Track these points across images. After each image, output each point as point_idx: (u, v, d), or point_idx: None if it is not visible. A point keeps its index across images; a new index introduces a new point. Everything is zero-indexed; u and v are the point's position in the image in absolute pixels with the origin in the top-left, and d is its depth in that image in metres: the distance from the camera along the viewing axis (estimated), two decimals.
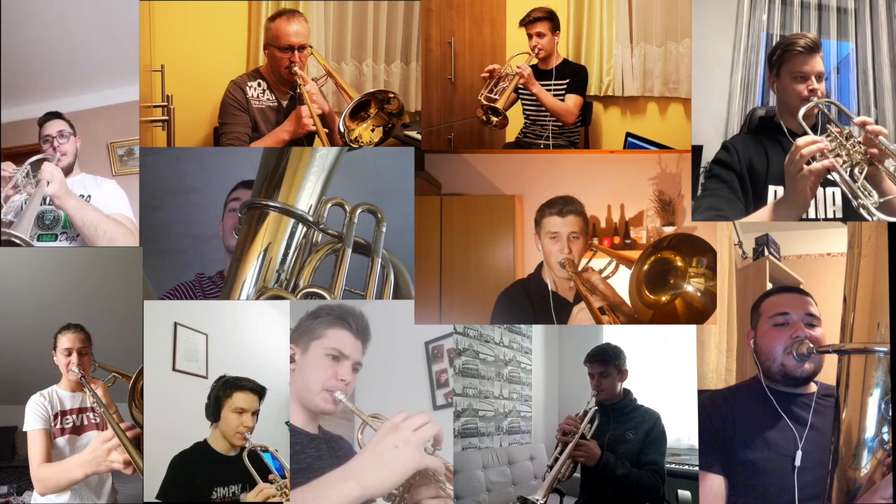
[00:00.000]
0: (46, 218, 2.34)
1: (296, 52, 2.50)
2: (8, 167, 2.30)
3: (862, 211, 1.90)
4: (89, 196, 2.40)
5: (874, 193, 1.91)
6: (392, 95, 2.41)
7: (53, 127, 2.42)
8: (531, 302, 2.26)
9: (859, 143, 1.94)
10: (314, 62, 2.63)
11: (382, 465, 1.24)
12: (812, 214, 2.22)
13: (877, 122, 2.66)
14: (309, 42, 2.55)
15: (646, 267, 2.14)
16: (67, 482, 2.18)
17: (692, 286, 2.13)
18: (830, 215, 2.20)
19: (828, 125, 2.02)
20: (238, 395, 2.00)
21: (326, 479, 1.24)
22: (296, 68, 2.50)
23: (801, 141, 1.95)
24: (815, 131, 2.05)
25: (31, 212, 2.24)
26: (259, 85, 2.57)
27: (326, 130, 2.46)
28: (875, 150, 1.92)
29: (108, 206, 2.40)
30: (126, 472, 2.13)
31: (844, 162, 1.94)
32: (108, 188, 2.45)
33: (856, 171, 1.94)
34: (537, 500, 2.03)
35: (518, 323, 2.36)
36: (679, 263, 2.14)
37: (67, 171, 2.41)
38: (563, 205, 2.23)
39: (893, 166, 1.91)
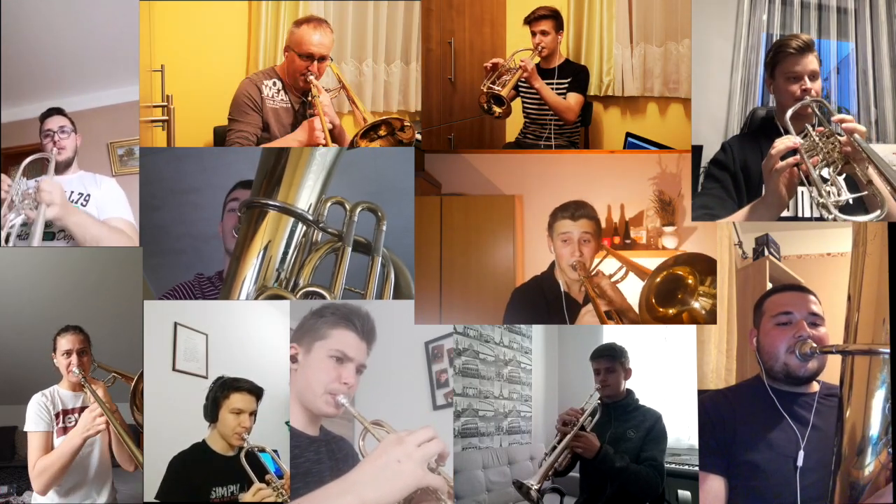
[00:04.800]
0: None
1: (315, 62, 2.48)
2: (3, 184, 2.28)
3: (822, 210, 1.90)
4: (88, 195, 2.40)
5: (843, 192, 1.91)
6: (408, 125, 2.40)
7: (55, 122, 2.42)
8: (546, 299, 2.28)
9: (838, 141, 1.94)
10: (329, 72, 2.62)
11: (383, 480, 1.18)
12: (807, 213, 2.23)
13: (877, 123, 2.67)
14: (330, 54, 2.52)
15: (658, 280, 2.17)
16: (70, 453, 2.19)
17: (699, 304, 2.17)
18: (818, 214, 2.20)
19: (807, 125, 2.02)
20: (235, 396, 2.00)
21: (324, 491, 1.18)
22: (311, 78, 2.47)
23: (776, 141, 1.97)
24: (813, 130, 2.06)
25: (37, 235, 2.23)
26: (274, 84, 2.55)
27: (335, 146, 2.45)
28: (849, 149, 1.92)
29: (107, 206, 2.39)
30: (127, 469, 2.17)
31: (822, 161, 1.94)
32: (108, 187, 2.45)
33: (830, 169, 1.94)
34: (532, 485, 2.03)
35: (534, 319, 2.37)
36: (690, 281, 2.17)
37: (66, 166, 2.42)
38: (576, 209, 2.27)
39: (871, 166, 1.88)
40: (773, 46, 2.23)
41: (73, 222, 2.29)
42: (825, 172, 1.95)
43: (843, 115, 1.97)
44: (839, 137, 1.94)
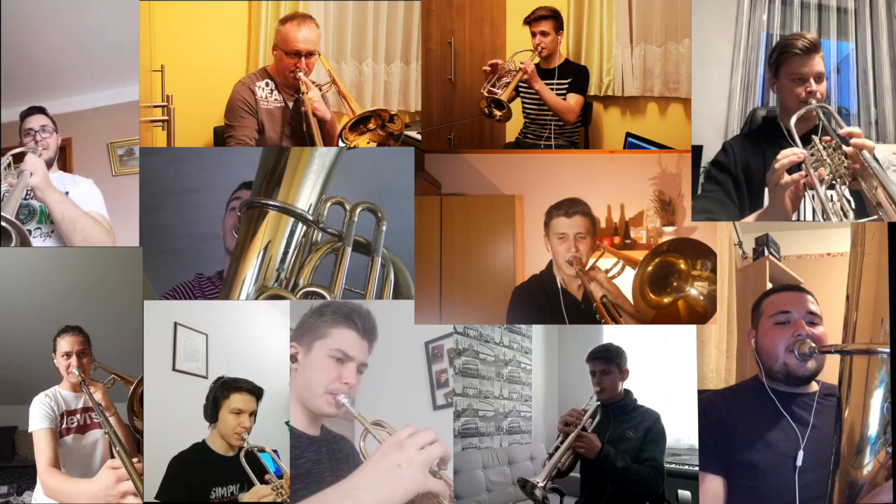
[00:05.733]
0: (21, 213, 2.30)
1: (303, 58, 2.49)
2: None
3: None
4: (66, 192, 2.38)
5: (850, 214, 1.90)
6: (396, 114, 2.40)
7: (36, 121, 2.40)
8: (547, 296, 2.28)
9: (845, 155, 1.91)
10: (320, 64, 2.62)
11: (382, 485, 1.15)
12: (809, 217, 2.22)
13: (877, 123, 2.67)
14: (318, 48, 2.53)
15: (649, 269, 2.17)
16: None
17: (695, 289, 2.15)
18: (822, 219, 2.19)
19: (812, 136, 1.99)
20: (235, 397, 2.00)
21: (323, 496, 1.17)
22: (300, 74, 2.48)
23: (780, 153, 1.94)
24: (815, 133, 2.04)
25: (13, 201, 2.20)
26: (267, 85, 2.56)
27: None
28: (857, 166, 1.89)
29: (84, 204, 2.37)
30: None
31: (828, 175, 1.92)
32: (85, 187, 2.44)
33: (838, 185, 1.92)
34: (538, 482, 2.03)
35: (535, 317, 2.37)
36: (682, 266, 2.16)
37: (48, 166, 2.38)
38: (570, 206, 2.27)
39: (880, 187, 1.86)
40: (777, 45, 2.19)
41: (53, 199, 2.27)
42: (831, 188, 1.92)
43: (852, 129, 1.93)
44: (845, 149, 1.91)
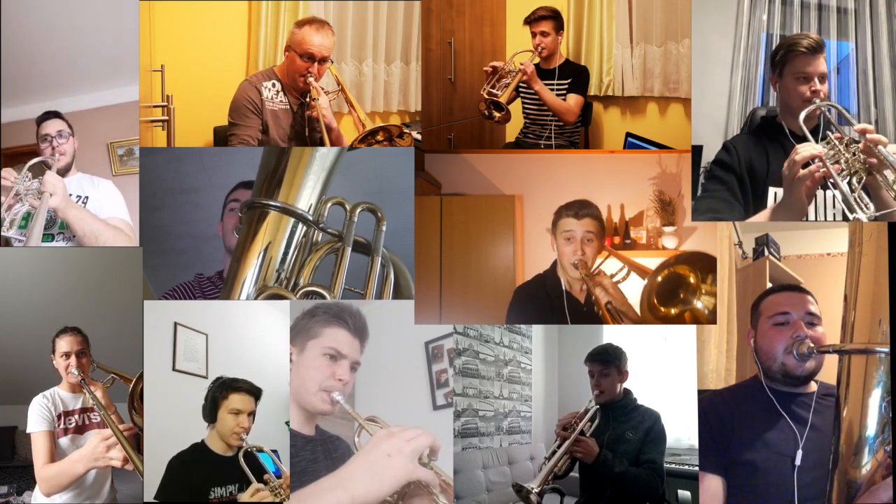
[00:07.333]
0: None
1: (316, 63, 2.48)
2: (9, 175, 2.30)
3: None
4: (87, 198, 2.40)
5: (871, 206, 1.90)
6: (406, 132, 2.41)
7: (52, 126, 2.41)
8: (549, 297, 2.28)
9: (859, 150, 1.91)
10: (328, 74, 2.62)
11: (373, 474, 1.18)
12: (812, 217, 2.21)
13: (877, 123, 2.67)
14: (332, 56, 2.53)
15: (659, 279, 2.17)
16: (70, 479, 2.17)
17: (702, 303, 2.16)
18: (830, 218, 2.18)
19: (827, 131, 1.99)
20: (234, 397, 2.01)
21: (316, 486, 1.18)
22: (310, 79, 2.48)
23: (798, 147, 1.94)
24: (816, 133, 2.04)
25: (38, 227, 2.24)
26: (274, 86, 2.54)
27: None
28: (874, 160, 1.89)
29: (105, 208, 2.40)
30: (127, 469, 2.15)
31: (843, 170, 1.92)
32: (106, 189, 2.45)
33: (853, 179, 1.92)
34: (532, 488, 2.03)
35: (536, 317, 2.36)
36: (691, 280, 2.16)
37: (65, 171, 2.42)
38: (580, 208, 2.27)
39: (893, 177, 1.86)
40: (782, 44, 2.19)
41: (73, 216, 2.30)
42: (848, 184, 1.91)
43: (864, 126, 1.93)
44: (859, 145, 1.91)
